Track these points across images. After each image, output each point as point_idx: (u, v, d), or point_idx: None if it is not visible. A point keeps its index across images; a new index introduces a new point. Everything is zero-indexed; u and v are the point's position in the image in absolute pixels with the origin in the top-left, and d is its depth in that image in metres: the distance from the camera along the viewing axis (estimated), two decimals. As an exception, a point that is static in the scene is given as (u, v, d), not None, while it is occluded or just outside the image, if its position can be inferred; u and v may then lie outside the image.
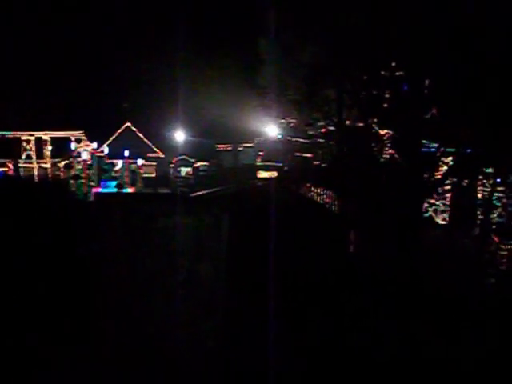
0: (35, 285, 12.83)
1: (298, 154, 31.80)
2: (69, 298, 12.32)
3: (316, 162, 30.39)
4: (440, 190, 23.14)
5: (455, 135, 21.42)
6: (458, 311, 12.29)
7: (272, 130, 38.07)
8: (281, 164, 37.29)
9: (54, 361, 10.05)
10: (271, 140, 39.04)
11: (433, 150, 22.01)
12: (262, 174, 37.33)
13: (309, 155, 30.52)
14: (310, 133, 26.43)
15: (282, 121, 29.27)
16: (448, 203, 24.03)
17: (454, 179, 22.82)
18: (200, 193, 27.98)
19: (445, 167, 22.10)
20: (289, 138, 31.67)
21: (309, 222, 20.34)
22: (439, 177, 22.16)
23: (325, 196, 25.70)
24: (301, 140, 29.39)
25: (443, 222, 24.12)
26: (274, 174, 35.94)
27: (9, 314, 11.47)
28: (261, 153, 42.09)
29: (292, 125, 28.43)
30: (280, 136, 35.22)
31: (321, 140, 25.91)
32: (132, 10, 36.76)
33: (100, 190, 35.10)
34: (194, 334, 9.18)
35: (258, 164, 41.48)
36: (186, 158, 41.02)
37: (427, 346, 10.44)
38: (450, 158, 22.05)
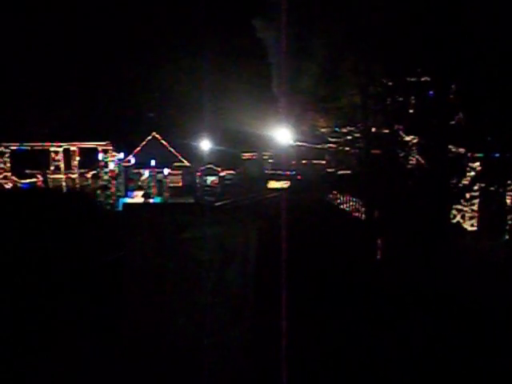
0: (65, 289, 13.09)
1: (315, 161, 31.12)
2: (94, 303, 12.52)
3: (340, 170, 29.69)
4: (468, 195, 22.92)
5: (482, 140, 21.24)
6: (485, 321, 12.12)
7: (283, 135, 34.91)
8: (293, 173, 35.21)
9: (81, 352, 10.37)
10: (282, 147, 36.11)
11: (460, 155, 21.85)
12: (273, 185, 35.59)
13: (322, 162, 30.04)
14: (334, 139, 26.38)
15: (303, 128, 28.98)
16: (476, 209, 23.76)
17: (482, 185, 22.60)
18: (226, 201, 27.99)
19: (472, 173, 21.91)
20: (303, 144, 30.83)
21: (335, 229, 20.32)
22: (466, 182, 21.98)
23: (351, 203, 25.64)
24: (320, 147, 29.03)
25: (471, 229, 23.85)
26: (287, 183, 33.88)
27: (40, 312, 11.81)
28: (270, 160, 40.41)
29: (315, 132, 28.23)
30: (293, 142, 33.85)
31: (346, 147, 25.85)
32: (155, 23, 37.12)
33: (127, 199, 35.43)
34: (222, 342, 9.17)
35: (267, 173, 39.62)
36: (212, 167, 41.17)
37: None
38: (478, 164, 21.86)
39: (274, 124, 32.82)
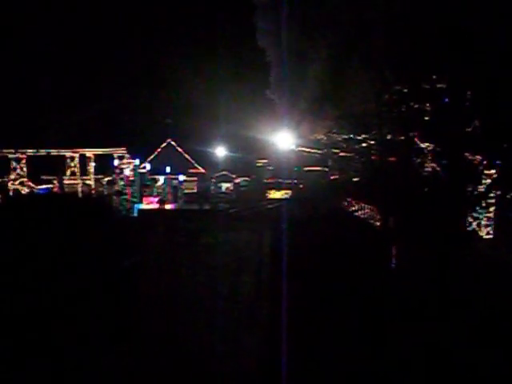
0: (85, 292, 13.22)
1: (316, 168, 29.91)
2: (111, 304, 12.65)
3: (345, 178, 29.08)
4: (483, 203, 22.76)
5: (499, 147, 21.10)
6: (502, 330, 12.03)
7: (283, 140, 33.38)
8: (295, 181, 33.17)
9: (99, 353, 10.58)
10: (283, 152, 34.23)
11: (475, 162, 21.72)
12: (273, 194, 33.12)
13: (325, 168, 29.02)
14: (344, 146, 26.28)
15: (307, 133, 28.79)
16: (492, 217, 23.58)
17: (498, 192, 22.44)
18: (241, 208, 27.91)
19: (488, 180, 21.77)
20: (306, 149, 30.09)
21: (349, 236, 20.24)
22: (482, 190, 21.84)
23: (366, 210, 25.53)
24: (324, 152, 28.72)
25: (487, 236, 23.66)
26: (288, 193, 32.20)
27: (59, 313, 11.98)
28: (270, 167, 38.48)
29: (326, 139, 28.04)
30: (294, 147, 32.38)
31: (360, 155, 25.74)
32: (173, 31, 37.27)
33: (142, 206, 35.54)
34: (235, 350, 9.20)
35: (266, 182, 37.16)
36: (227, 173, 41.13)
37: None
38: (494, 171, 21.72)
39: (273, 127, 32.40)
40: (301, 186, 32.74)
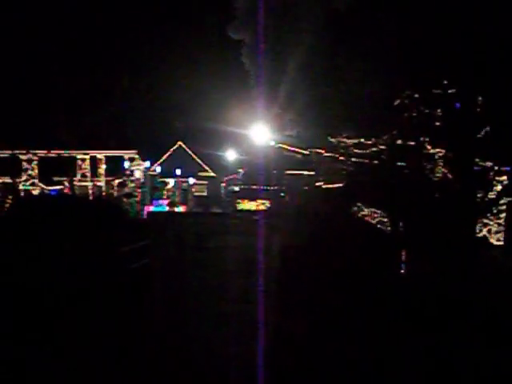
0: (91, 294, 13.32)
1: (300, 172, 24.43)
2: (119, 306, 12.73)
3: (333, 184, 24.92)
4: (494, 209, 22.66)
5: (510, 153, 21.02)
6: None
7: (259, 133, 26.50)
8: (276, 188, 26.01)
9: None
10: (258, 150, 26.92)
11: (486, 168, 21.65)
12: (243, 205, 26.45)
13: (310, 173, 23.75)
14: (356, 151, 26.04)
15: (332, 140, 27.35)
16: (503, 223, 23.46)
17: (509, 199, 22.35)
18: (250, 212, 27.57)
19: (499, 186, 21.68)
20: (289, 147, 25.33)
21: (359, 241, 20.18)
22: (493, 196, 21.75)
23: (376, 215, 25.40)
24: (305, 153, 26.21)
25: (498, 243, 23.54)
26: (265, 204, 25.00)
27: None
28: (241, 170, 32.16)
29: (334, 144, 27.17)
30: (275, 144, 25.99)
31: (368, 160, 25.52)
32: (179, 35, 37.42)
33: (152, 208, 35.65)
34: (243, 354, 9.20)
35: (237, 190, 30.46)
36: (237, 177, 41.14)
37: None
38: (505, 177, 21.63)
39: (247, 116, 26.67)
40: (282, 194, 26.22)
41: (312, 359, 10.22)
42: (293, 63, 25.40)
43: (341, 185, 24.43)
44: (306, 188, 24.91)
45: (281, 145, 25.80)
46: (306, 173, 25.03)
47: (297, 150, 25.04)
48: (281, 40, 26.53)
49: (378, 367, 10.51)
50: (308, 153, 25.24)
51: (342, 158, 25.78)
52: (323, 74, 25.05)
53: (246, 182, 28.34)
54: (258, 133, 27.08)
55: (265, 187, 25.82)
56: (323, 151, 24.56)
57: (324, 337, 11.11)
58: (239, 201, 27.02)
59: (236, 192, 32.69)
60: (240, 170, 31.11)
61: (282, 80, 25.27)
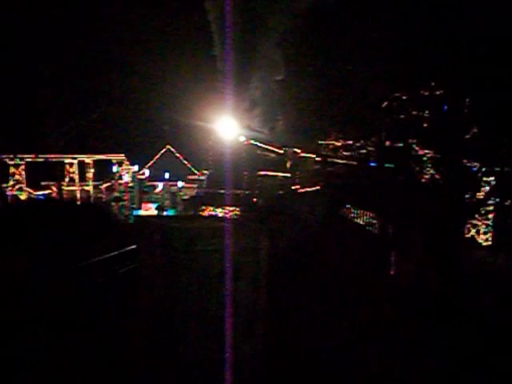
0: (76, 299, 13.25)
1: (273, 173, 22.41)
2: (106, 313, 12.69)
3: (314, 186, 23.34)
4: (482, 210, 22.74)
5: (497, 154, 21.12)
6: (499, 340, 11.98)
7: (227, 128, 23.48)
8: (247, 192, 23.30)
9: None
10: (226, 147, 23.94)
11: (474, 169, 21.73)
12: (208, 212, 23.04)
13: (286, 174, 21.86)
14: (346, 153, 26.05)
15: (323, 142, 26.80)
16: (491, 223, 23.55)
17: (497, 199, 22.43)
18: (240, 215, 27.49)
19: (487, 187, 21.76)
20: (260, 144, 23.51)
21: (349, 243, 20.16)
22: (481, 197, 21.83)
23: (365, 217, 25.41)
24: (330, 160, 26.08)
25: (486, 243, 23.62)
26: (234, 211, 21.70)
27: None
28: (206, 172, 28.70)
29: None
30: (244, 138, 23.57)
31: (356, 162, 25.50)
32: (166, 35, 37.33)
33: (140, 212, 35.52)
34: (233, 357, 9.13)
35: (200, 194, 27.19)
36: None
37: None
38: (492, 178, 21.72)
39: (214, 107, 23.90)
40: (254, 199, 23.16)
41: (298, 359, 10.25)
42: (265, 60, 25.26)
43: (318, 187, 23.00)
44: (281, 192, 23.20)
45: (252, 141, 23.80)
46: (280, 174, 23.49)
47: (270, 147, 23.29)
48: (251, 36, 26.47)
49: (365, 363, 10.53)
50: (282, 152, 24.02)
51: (329, 159, 25.60)
52: (308, 73, 25.03)
53: (211, 185, 25.47)
54: (226, 127, 24.46)
55: (235, 191, 23.13)
56: (300, 151, 23.75)
57: (312, 340, 11.10)
58: (203, 208, 24.28)
59: (189, 199, 30.34)
60: (205, 172, 27.65)
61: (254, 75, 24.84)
